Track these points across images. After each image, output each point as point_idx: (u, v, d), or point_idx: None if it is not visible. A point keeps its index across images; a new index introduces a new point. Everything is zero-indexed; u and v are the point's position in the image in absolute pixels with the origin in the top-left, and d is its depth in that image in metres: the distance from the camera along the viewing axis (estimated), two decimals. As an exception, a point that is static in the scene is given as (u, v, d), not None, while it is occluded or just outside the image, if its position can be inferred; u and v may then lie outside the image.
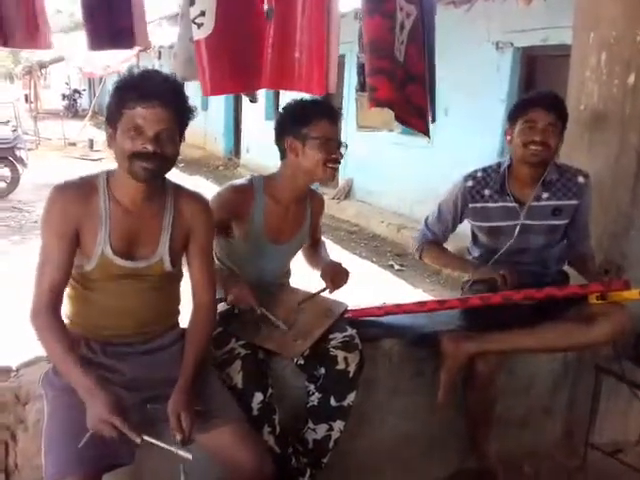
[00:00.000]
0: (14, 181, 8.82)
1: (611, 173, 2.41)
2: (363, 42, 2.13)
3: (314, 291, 2.03)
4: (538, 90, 2.38)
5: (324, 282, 2.00)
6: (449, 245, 2.39)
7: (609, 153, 2.41)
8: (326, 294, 2.03)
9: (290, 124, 1.93)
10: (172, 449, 1.43)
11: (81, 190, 1.57)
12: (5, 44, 2.25)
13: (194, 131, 15.34)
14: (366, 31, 2.10)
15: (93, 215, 1.56)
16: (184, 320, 1.78)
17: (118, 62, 12.44)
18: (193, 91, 2.09)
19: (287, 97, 2.12)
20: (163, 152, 1.50)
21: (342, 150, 1.98)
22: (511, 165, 2.18)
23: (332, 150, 1.93)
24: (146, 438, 1.42)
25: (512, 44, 6.26)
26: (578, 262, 2.29)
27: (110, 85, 1.64)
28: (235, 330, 1.87)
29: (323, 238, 2.32)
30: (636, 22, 2.29)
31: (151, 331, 1.68)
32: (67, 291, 1.62)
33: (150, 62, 10.50)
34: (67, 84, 23.28)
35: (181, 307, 1.80)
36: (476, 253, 2.33)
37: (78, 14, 2.34)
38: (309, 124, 1.90)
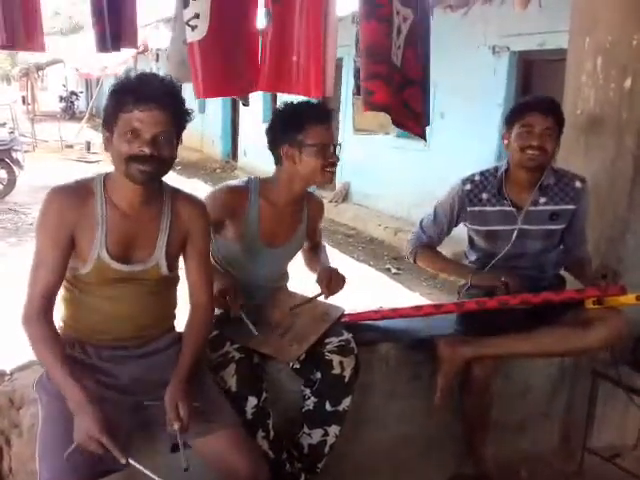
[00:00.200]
0: (10, 183, 8.80)
1: (608, 177, 2.42)
2: (359, 46, 2.13)
3: (310, 295, 2.02)
4: (535, 94, 2.38)
5: (319, 287, 1.99)
6: (445, 249, 2.38)
7: (606, 157, 2.42)
8: (322, 299, 2.02)
9: (284, 131, 1.92)
10: (155, 477, 1.41)
11: (77, 193, 1.56)
12: (4, 47, 2.25)
13: (191, 134, 15.35)
14: (363, 35, 2.10)
15: (89, 218, 1.55)
16: (180, 324, 1.78)
17: (116, 64, 12.46)
18: (190, 94, 2.09)
19: (284, 100, 2.11)
20: (160, 155, 1.49)
21: (338, 151, 1.96)
22: (508, 169, 2.18)
23: (329, 154, 1.92)
24: (132, 462, 1.40)
25: (509, 48, 6.27)
26: (575, 267, 2.28)
27: (107, 87, 1.64)
28: (230, 333, 1.87)
29: (323, 242, 2.31)
30: (632, 26, 2.29)
31: (147, 335, 1.68)
32: (62, 294, 1.62)
33: (148, 65, 10.51)
34: (64, 86, 23.23)
35: (177, 311, 1.79)
36: (473, 257, 2.33)
37: (76, 17, 2.35)
38: (303, 130, 1.88)
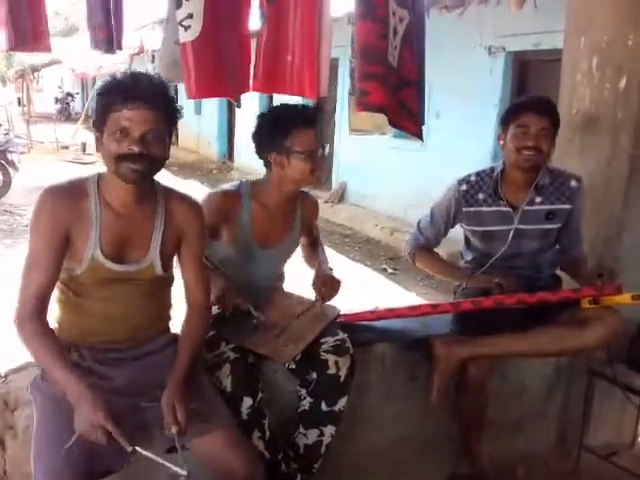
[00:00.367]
0: (6, 185, 8.77)
1: (603, 176, 2.42)
2: (354, 47, 2.13)
3: (307, 297, 2.02)
4: (530, 95, 2.38)
5: (315, 293, 1.99)
6: (441, 249, 2.38)
7: (601, 156, 2.42)
8: None
9: (270, 137, 1.91)
10: (165, 463, 1.40)
11: (71, 193, 1.56)
12: (14, 47, 2.24)
13: (187, 135, 15.35)
14: (357, 36, 2.09)
15: (83, 218, 1.54)
16: (175, 325, 1.77)
17: (111, 63, 12.42)
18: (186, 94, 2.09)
19: (280, 101, 2.11)
20: (150, 153, 1.49)
21: (326, 150, 1.96)
22: (504, 169, 2.18)
23: (316, 160, 1.91)
24: (138, 449, 1.39)
25: (504, 49, 6.29)
26: (571, 266, 2.29)
27: (100, 88, 1.63)
28: (226, 334, 1.86)
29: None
30: (627, 26, 2.30)
31: (142, 336, 1.67)
32: (57, 296, 1.61)
33: (144, 66, 10.47)
34: (60, 87, 23.21)
35: (172, 312, 1.79)
36: (469, 257, 2.33)
37: (73, 18, 2.35)
38: (290, 136, 1.87)
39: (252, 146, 1.99)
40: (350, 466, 2.13)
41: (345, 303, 2.13)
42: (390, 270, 6.34)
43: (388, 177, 7.96)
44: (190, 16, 1.96)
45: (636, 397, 2.35)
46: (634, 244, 2.44)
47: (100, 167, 1.58)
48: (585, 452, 2.38)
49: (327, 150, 2.00)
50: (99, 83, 1.58)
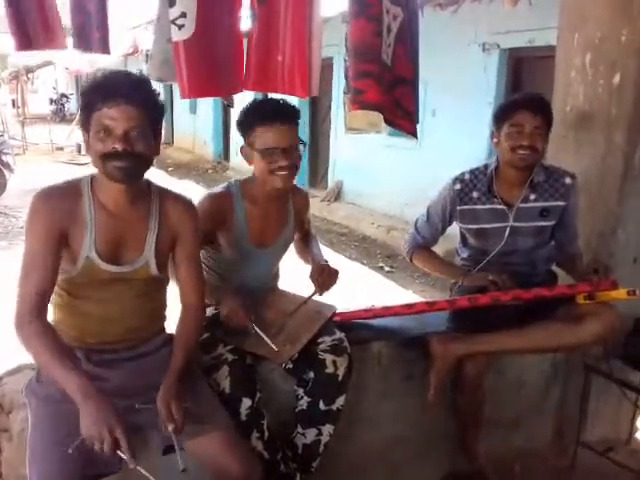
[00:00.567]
0: (1, 186, 8.73)
1: (598, 173, 2.42)
2: (348, 45, 2.12)
3: (304, 295, 2.02)
4: (523, 92, 2.38)
5: (313, 284, 1.98)
6: (438, 247, 2.39)
7: (595, 153, 2.42)
8: (315, 296, 2.01)
9: (240, 130, 1.89)
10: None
11: (65, 195, 1.55)
12: (29, 46, 2.21)
13: (183, 135, 15.33)
14: (351, 34, 2.09)
15: (78, 219, 1.54)
16: (170, 326, 1.77)
17: (106, 61, 12.36)
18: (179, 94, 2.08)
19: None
20: (134, 150, 1.48)
21: (300, 152, 1.88)
22: (498, 167, 2.18)
23: (276, 158, 1.84)
24: (140, 468, 1.35)
25: (498, 46, 6.29)
26: (566, 263, 2.29)
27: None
28: (223, 335, 1.86)
29: (314, 233, 2.30)
30: (621, 22, 2.30)
31: (137, 337, 1.67)
32: (52, 299, 1.60)
33: (138, 66, 10.46)
34: (54, 88, 23.12)
35: (167, 312, 1.78)
36: (465, 254, 2.33)
37: (65, 17, 2.31)
38: (253, 132, 1.85)
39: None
40: (348, 465, 2.13)
41: (342, 301, 2.13)
42: (387, 268, 6.34)
43: (384, 175, 7.97)
44: (183, 15, 1.94)
45: (632, 393, 2.36)
46: (629, 240, 2.45)
47: (95, 168, 1.57)
48: (582, 448, 2.38)
49: (303, 151, 1.92)
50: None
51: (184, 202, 1.71)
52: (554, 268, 2.35)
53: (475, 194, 2.19)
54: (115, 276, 1.58)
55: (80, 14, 1.97)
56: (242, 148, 1.91)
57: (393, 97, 2.19)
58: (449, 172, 2.30)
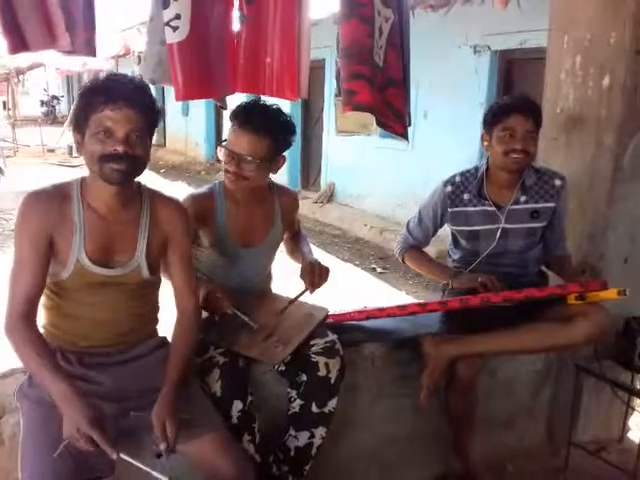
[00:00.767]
0: (-9, 189, 8.70)
1: (588, 174, 2.44)
2: (340, 47, 2.13)
3: (293, 296, 2.01)
4: (513, 96, 2.38)
5: (303, 283, 1.98)
6: (429, 248, 2.40)
7: (585, 155, 2.44)
8: (307, 297, 2.01)
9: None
10: (148, 470, 1.38)
11: (54, 197, 1.55)
12: (24, 48, 2.17)
13: (175, 137, 15.28)
14: (343, 35, 2.09)
15: (67, 222, 1.53)
16: (163, 329, 1.76)
17: (97, 62, 12.30)
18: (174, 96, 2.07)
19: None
20: (134, 153, 1.48)
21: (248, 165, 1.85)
22: (488, 169, 2.19)
23: (226, 160, 1.87)
24: (123, 456, 1.37)
25: (490, 47, 6.31)
26: (555, 264, 2.30)
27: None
28: (214, 338, 1.85)
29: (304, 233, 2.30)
30: (610, 24, 2.31)
31: (129, 340, 1.66)
32: (42, 301, 1.59)
33: (129, 68, 10.42)
34: (45, 90, 23.01)
35: (160, 315, 1.78)
36: (456, 256, 2.34)
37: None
38: (229, 133, 1.88)
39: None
40: (341, 467, 2.13)
41: (335, 303, 2.13)
42: (379, 269, 6.35)
43: (376, 177, 7.98)
44: (178, 16, 1.94)
45: (623, 392, 2.37)
46: (618, 241, 2.46)
47: (87, 170, 1.57)
48: (574, 448, 2.39)
49: (283, 165, 1.94)
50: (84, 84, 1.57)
51: (175, 204, 1.71)
52: (544, 269, 2.36)
53: (466, 196, 2.20)
54: (106, 280, 1.57)
55: (65, 15, 1.93)
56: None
57: (384, 98, 2.20)
58: (441, 173, 2.31)
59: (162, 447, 1.46)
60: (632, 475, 2.22)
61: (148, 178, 1.63)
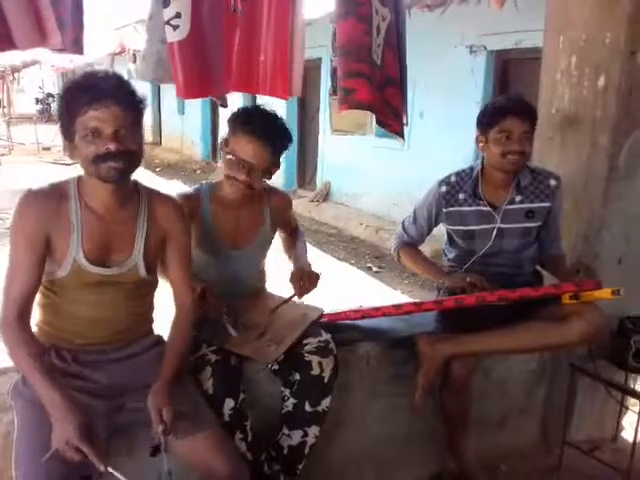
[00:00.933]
0: (-14, 187, 8.65)
1: (583, 175, 2.44)
2: (336, 45, 2.13)
3: (287, 297, 2.01)
4: (507, 97, 2.38)
5: (292, 288, 1.98)
6: (426, 247, 2.40)
7: (581, 155, 2.44)
8: (304, 297, 2.01)
9: (228, 126, 1.89)
10: None
11: (51, 197, 1.54)
12: (11, 46, 2.15)
13: (171, 135, 15.26)
14: (340, 34, 2.09)
15: (64, 222, 1.53)
16: (158, 327, 1.76)
17: (92, 59, 12.26)
18: (171, 94, 2.07)
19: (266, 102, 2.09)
20: (127, 148, 1.47)
21: (261, 176, 1.86)
22: (483, 169, 2.20)
23: (235, 168, 1.86)
24: (110, 469, 1.37)
25: (486, 47, 6.32)
26: (550, 264, 2.31)
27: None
28: (206, 335, 1.85)
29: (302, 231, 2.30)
30: (605, 24, 2.32)
31: (125, 339, 1.66)
32: (38, 299, 1.59)
33: (125, 66, 10.39)
34: (41, 88, 22.92)
35: (155, 314, 1.78)
36: (452, 255, 2.35)
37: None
38: (231, 137, 1.86)
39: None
40: (335, 467, 2.13)
41: (330, 302, 2.13)
42: (375, 268, 6.36)
43: (372, 176, 7.99)
44: (178, 15, 1.93)
45: (617, 392, 2.38)
46: (614, 241, 2.47)
47: (82, 168, 1.56)
48: (568, 447, 2.40)
49: (273, 174, 1.94)
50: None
51: (173, 202, 1.71)
52: (539, 268, 2.37)
53: (461, 196, 2.20)
54: (103, 279, 1.57)
55: (55, 12, 1.92)
56: (221, 143, 1.91)
57: (383, 97, 2.20)
58: (437, 173, 2.31)
59: (160, 429, 1.45)
60: (626, 474, 2.23)
61: (143, 177, 1.62)
